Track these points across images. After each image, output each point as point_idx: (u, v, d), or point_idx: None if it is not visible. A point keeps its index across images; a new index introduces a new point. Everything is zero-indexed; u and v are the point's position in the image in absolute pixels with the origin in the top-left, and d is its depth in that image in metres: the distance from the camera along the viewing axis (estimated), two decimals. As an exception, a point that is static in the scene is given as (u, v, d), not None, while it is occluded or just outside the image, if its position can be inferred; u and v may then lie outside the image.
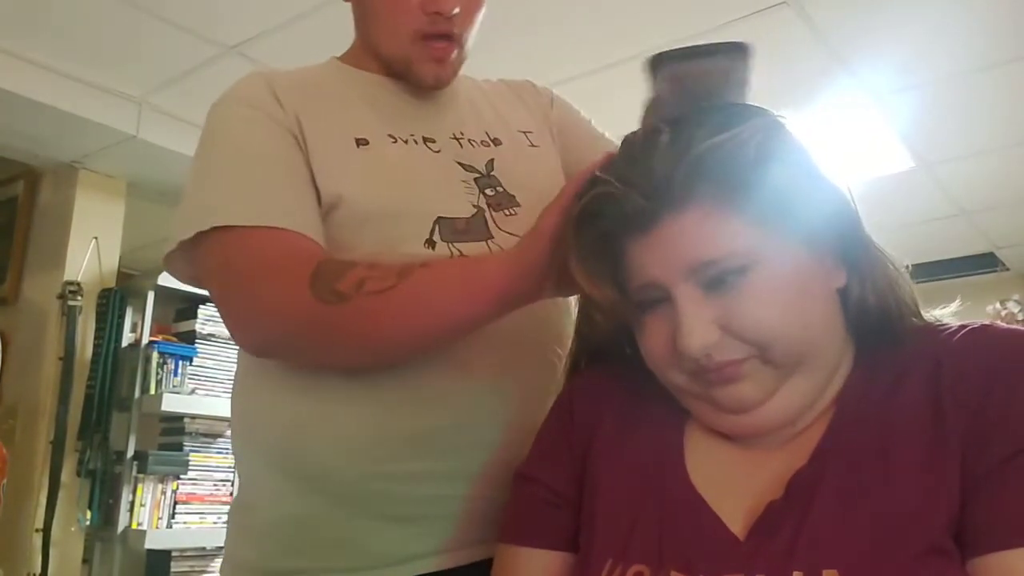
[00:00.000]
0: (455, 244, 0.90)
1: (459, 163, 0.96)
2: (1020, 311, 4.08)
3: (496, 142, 1.01)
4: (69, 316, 2.75)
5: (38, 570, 2.57)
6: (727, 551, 0.63)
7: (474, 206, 0.93)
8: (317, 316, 0.79)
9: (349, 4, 1.03)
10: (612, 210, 0.66)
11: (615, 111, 2.80)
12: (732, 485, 0.68)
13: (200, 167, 0.90)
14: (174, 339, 2.92)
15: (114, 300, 2.85)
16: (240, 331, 0.87)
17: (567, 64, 2.32)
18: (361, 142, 0.92)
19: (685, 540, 0.66)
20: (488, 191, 0.95)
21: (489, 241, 0.92)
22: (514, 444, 0.86)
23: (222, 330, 2.97)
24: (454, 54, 0.96)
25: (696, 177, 0.62)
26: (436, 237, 0.89)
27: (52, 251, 2.88)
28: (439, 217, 0.90)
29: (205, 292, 3.12)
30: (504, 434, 0.89)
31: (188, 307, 3.00)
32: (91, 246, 2.88)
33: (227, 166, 0.89)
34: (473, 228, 0.91)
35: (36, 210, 3.03)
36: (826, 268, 0.66)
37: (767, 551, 0.61)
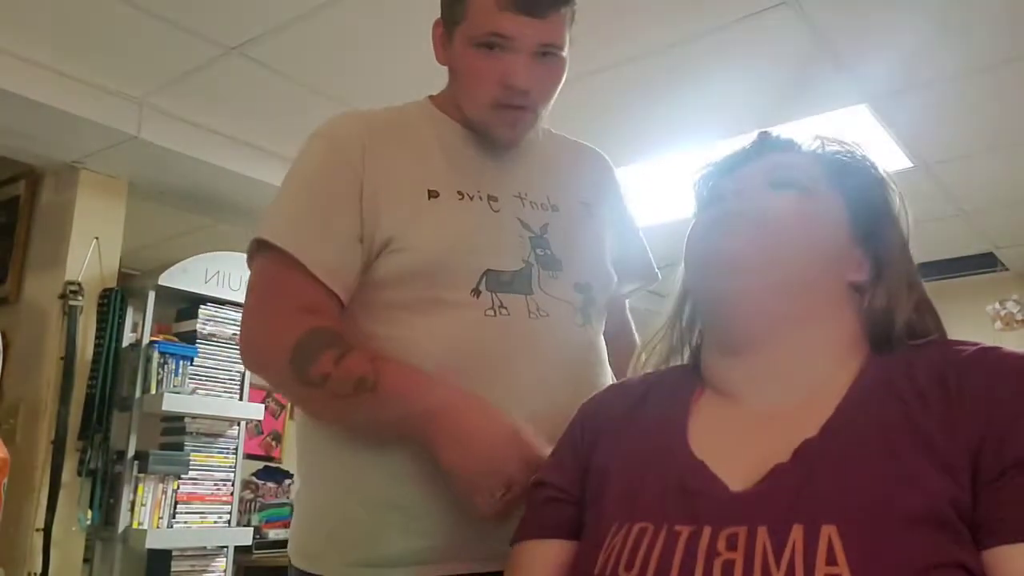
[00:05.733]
0: (498, 294, 1.04)
1: (519, 219, 1.09)
2: (1019, 311, 4.09)
3: (555, 208, 1.14)
4: (70, 316, 2.75)
5: (39, 569, 2.57)
6: (730, 505, 0.67)
7: (524, 261, 1.07)
8: (289, 386, 1.02)
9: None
10: None
11: (609, 113, 2.81)
12: (734, 454, 0.71)
13: (281, 189, 1.09)
14: (175, 339, 2.93)
15: (115, 300, 2.86)
16: (240, 347, 1.08)
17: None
18: (432, 194, 1.06)
19: (689, 499, 0.69)
20: (539, 250, 1.09)
21: (528, 296, 1.05)
22: None
23: (223, 330, 2.98)
24: (527, 120, 1.09)
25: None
26: (482, 287, 1.03)
27: (53, 251, 2.89)
28: (488, 270, 1.04)
29: (206, 292, 3.12)
30: None
31: (189, 307, 3.01)
32: (92, 246, 2.88)
33: (294, 197, 1.07)
34: (517, 281, 1.05)
35: (37, 210, 3.03)
36: (852, 254, 0.77)
37: (769, 505, 0.65)
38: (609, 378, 1.12)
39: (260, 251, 1.05)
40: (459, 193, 1.08)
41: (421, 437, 0.94)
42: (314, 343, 0.97)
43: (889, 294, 0.76)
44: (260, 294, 1.05)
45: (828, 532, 0.60)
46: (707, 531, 0.66)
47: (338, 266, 1.03)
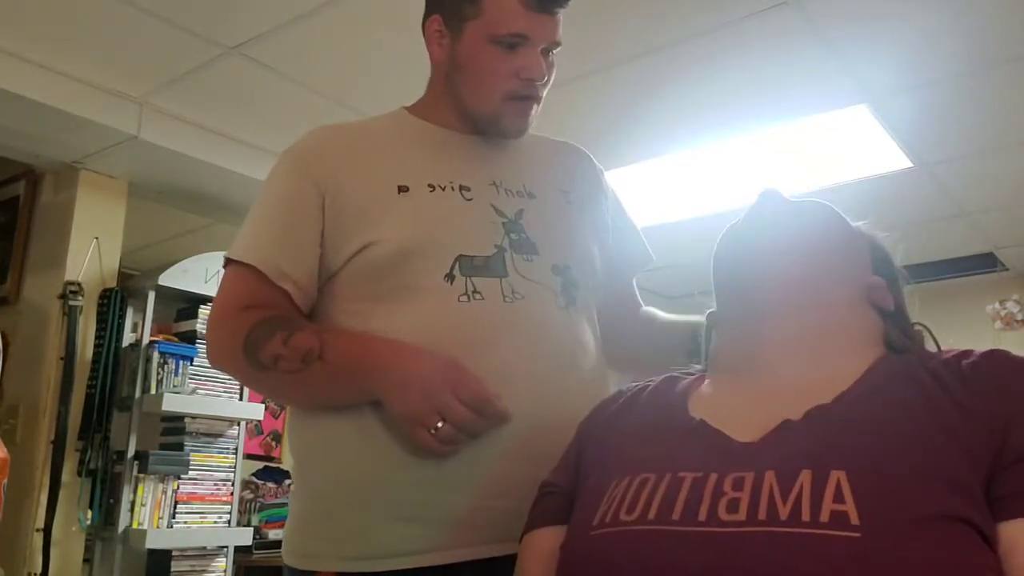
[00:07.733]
0: (472, 278, 1.04)
1: (493, 206, 1.10)
2: (1019, 311, 4.08)
3: (531, 195, 1.15)
4: (70, 316, 2.75)
5: (39, 570, 2.57)
6: (736, 453, 0.68)
7: (496, 246, 1.07)
8: (247, 375, 1.09)
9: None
10: None
11: (611, 113, 2.80)
12: (738, 416, 0.73)
13: (249, 212, 1.15)
14: (175, 339, 2.93)
15: (115, 300, 2.86)
16: (207, 352, 1.13)
17: (566, 65, 2.31)
18: (402, 188, 1.08)
19: (693, 450, 0.71)
20: (513, 235, 1.09)
21: (503, 279, 1.05)
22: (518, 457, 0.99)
23: (223, 330, 2.98)
24: (534, 109, 1.13)
25: None
26: (456, 272, 1.04)
27: (53, 251, 2.89)
28: (460, 255, 1.05)
29: (206, 292, 3.13)
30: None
31: (189, 307, 3.00)
32: (92, 246, 2.88)
33: (256, 217, 1.13)
34: (491, 265, 1.06)
35: (37, 210, 3.03)
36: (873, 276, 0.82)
37: (777, 453, 0.65)
38: (594, 359, 1.12)
39: (224, 268, 1.13)
40: (430, 186, 1.09)
41: (371, 391, 0.98)
42: (262, 331, 1.02)
43: (906, 332, 0.81)
44: (215, 304, 1.12)
45: (837, 476, 0.61)
46: (713, 476, 0.66)
47: (287, 266, 1.07)
